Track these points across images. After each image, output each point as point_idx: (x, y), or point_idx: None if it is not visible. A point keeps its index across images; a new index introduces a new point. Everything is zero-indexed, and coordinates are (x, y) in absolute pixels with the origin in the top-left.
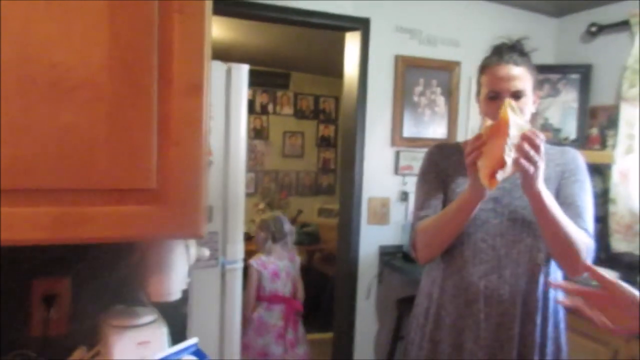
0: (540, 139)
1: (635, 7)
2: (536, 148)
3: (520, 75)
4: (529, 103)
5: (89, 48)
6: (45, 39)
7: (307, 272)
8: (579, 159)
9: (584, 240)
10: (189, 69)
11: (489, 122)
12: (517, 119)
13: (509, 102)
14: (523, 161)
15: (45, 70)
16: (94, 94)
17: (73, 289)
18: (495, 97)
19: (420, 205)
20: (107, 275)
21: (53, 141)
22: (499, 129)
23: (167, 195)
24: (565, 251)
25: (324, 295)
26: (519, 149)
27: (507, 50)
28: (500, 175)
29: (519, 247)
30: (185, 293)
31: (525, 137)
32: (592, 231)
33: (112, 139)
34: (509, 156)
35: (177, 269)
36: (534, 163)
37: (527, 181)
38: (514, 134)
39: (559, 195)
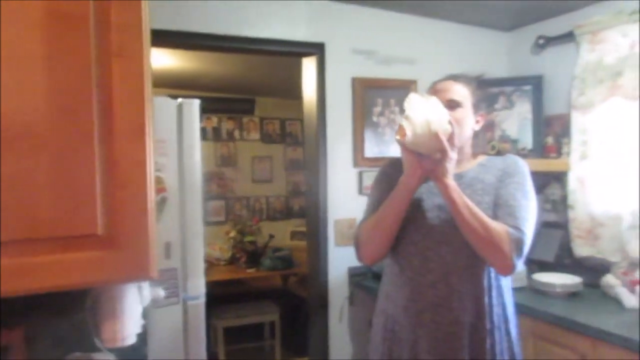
0: (455, 132)
1: (579, 19)
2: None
3: (457, 89)
4: (467, 117)
5: (26, 96)
6: None
7: (283, 296)
8: (519, 163)
9: (507, 236)
10: (131, 111)
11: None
12: (430, 99)
13: (421, 93)
14: (446, 142)
15: None
16: (34, 142)
17: (27, 339)
18: None
19: (369, 210)
20: (61, 323)
21: None
22: None
23: (115, 240)
24: (488, 249)
25: (300, 319)
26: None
27: (453, 74)
28: (409, 131)
29: (464, 253)
30: (144, 334)
31: (450, 123)
32: (528, 229)
33: (55, 186)
34: (408, 109)
35: (130, 313)
36: (452, 146)
37: (440, 169)
38: (419, 101)
39: (496, 197)
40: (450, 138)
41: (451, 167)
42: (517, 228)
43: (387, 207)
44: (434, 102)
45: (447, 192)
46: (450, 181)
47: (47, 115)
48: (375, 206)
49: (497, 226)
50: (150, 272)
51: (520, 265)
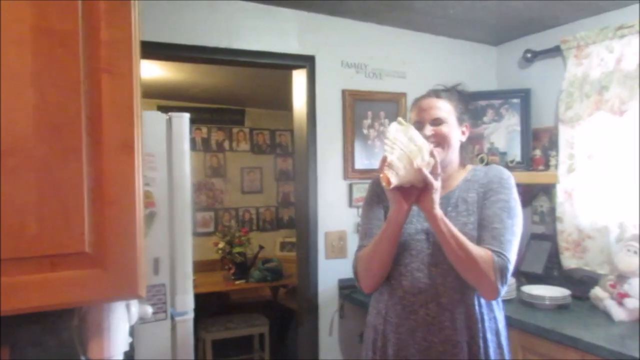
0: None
1: (566, 33)
2: (434, 168)
3: (441, 106)
4: (453, 131)
5: (13, 114)
6: None
7: (272, 308)
8: (504, 175)
9: (492, 264)
10: (119, 128)
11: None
12: (409, 131)
13: (399, 120)
14: (429, 175)
15: None
16: (21, 160)
17: (12, 358)
18: (419, 127)
19: (363, 235)
20: (48, 341)
21: None
22: None
23: (103, 257)
24: (474, 276)
25: (289, 332)
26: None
27: (434, 89)
28: (393, 178)
29: (453, 275)
30: (131, 352)
31: (431, 154)
32: (511, 252)
33: (42, 204)
34: (389, 153)
35: (117, 331)
36: (436, 176)
37: (427, 200)
38: (398, 138)
39: (480, 217)
40: (434, 169)
41: (437, 196)
42: (502, 254)
43: (380, 241)
44: (414, 135)
45: (435, 223)
46: (438, 212)
47: (35, 132)
48: (368, 231)
49: (482, 254)
50: (139, 291)
51: (504, 290)
